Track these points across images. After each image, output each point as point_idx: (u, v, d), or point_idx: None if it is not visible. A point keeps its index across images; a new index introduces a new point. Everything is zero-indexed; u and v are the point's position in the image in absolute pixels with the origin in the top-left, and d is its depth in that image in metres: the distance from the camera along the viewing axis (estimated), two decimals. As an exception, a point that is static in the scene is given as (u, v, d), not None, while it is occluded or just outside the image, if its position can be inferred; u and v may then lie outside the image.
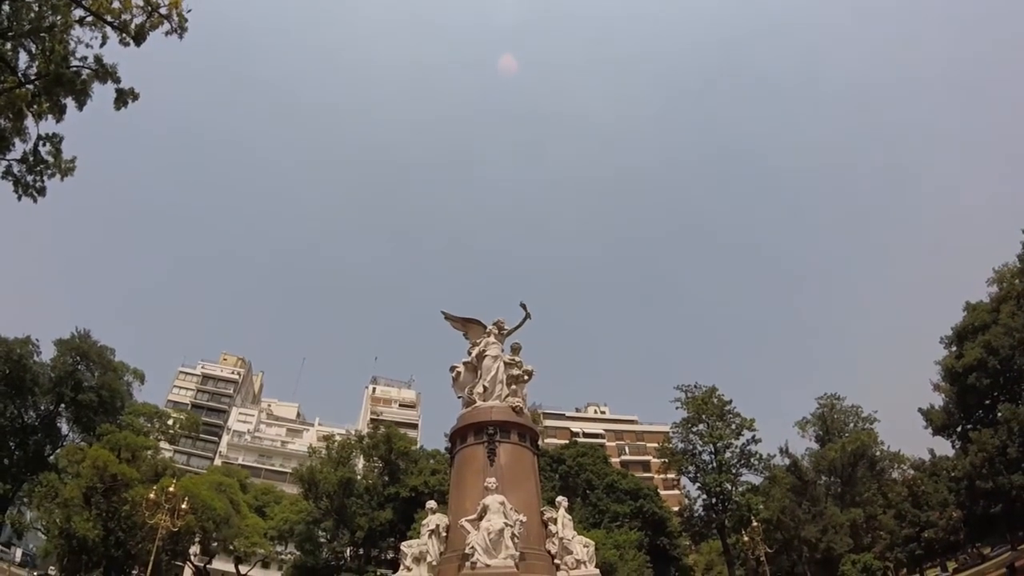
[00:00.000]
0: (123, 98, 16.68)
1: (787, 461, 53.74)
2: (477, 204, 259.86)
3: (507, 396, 16.97)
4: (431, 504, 17.71)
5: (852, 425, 57.23)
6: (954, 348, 37.13)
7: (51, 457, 44.25)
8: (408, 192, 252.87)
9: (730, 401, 51.37)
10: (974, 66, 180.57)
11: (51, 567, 53.30)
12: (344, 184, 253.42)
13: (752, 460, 50.01)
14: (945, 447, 44.47)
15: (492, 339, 17.76)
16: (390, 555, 45.98)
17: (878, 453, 54.73)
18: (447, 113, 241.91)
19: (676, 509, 54.78)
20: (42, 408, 44.63)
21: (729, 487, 48.57)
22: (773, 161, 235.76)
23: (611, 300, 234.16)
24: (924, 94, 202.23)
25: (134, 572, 43.87)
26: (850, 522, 47.19)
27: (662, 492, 56.15)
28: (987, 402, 34.91)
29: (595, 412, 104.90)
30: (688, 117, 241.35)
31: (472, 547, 13.87)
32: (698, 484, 50.87)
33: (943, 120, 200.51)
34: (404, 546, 16.78)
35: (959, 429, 36.84)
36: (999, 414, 31.92)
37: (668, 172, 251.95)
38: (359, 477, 50.66)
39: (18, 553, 68.27)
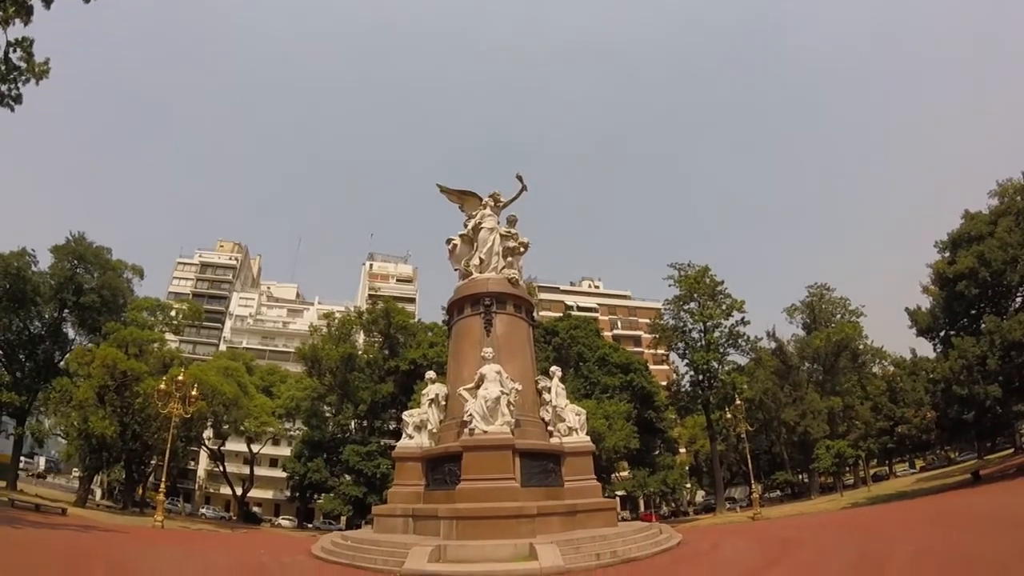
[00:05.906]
0: (91, -12, 15.33)
1: (773, 345, 55.48)
2: (476, 73, 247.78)
3: (503, 268, 16.81)
4: (430, 374, 18.19)
5: (839, 316, 58.33)
6: (947, 254, 36.36)
7: (61, 363, 44.70)
8: (404, 62, 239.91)
9: (722, 282, 51.72)
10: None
11: (74, 468, 56.16)
12: (337, 57, 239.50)
13: (739, 341, 51.18)
14: (927, 349, 44.93)
15: (488, 211, 17.30)
16: (392, 425, 47.76)
17: (861, 346, 56.34)
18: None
19: (664, 384, 56.38)
20: (46, 316, 44.61)
21: (716, 365, 49.99)
22: (787, 39, 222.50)
23: (610, 173, 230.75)
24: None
25: (152, 461, 46.21)
26: (828, 409, 49.32)
27: (651, 367, 56.99)
28: (973, 312, 34.71)
29: (589, 286, 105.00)
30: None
31: (470, 414, 14.34)
32: (686, 361, 52.22)
33: (966, 19, 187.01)
34: (406, 415, 17.47)
35: (942, 333, 36.80)
36: (983, 325, 32.03)
37: (676, 41, 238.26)
38: (360, 352, 51.56)
39: (41, 461, 72.17)
